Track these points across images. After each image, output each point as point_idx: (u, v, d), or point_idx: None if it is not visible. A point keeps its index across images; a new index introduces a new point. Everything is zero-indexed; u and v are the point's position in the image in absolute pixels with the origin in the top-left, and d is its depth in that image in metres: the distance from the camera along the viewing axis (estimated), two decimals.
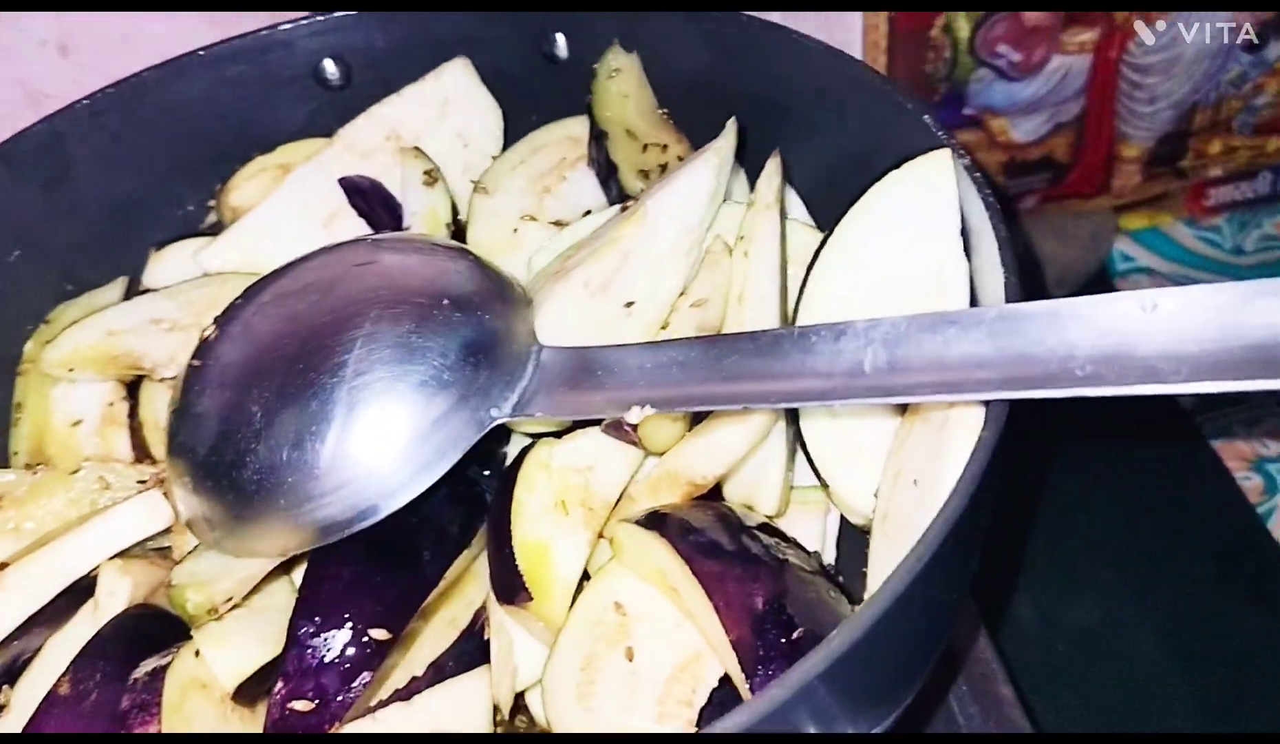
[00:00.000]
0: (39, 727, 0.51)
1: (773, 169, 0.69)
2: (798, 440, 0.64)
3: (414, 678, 0.60)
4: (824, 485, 0.63)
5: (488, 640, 0.63)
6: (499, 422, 0.59)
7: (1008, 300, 0.54)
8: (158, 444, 0.74)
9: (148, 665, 0.55)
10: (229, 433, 0.57)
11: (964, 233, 0.62)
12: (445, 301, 0.59)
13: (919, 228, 0.62)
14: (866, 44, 1.02)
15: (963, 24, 1.03)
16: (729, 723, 0.41)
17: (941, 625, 0.58)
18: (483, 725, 0.60)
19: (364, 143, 0.83)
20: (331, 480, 0.56)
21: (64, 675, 0.54)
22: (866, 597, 0.58)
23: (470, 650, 0.62)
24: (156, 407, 0.76)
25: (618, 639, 0.59)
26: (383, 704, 0.58)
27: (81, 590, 0.63)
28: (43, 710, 0.52)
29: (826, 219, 0.71)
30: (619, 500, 0.64)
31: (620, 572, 0.62)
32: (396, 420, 0.56)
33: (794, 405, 0.60)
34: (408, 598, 0.57)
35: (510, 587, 0.59)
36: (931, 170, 0.63)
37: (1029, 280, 0.63)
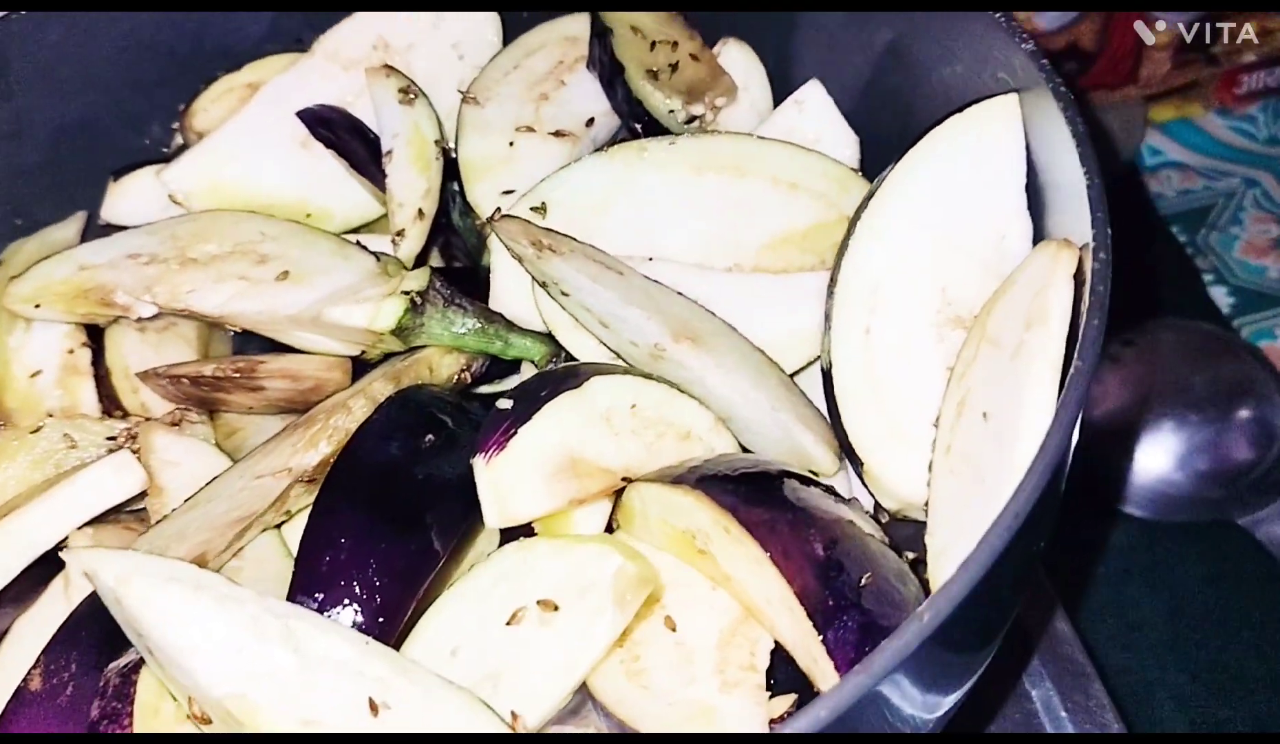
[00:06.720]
0: (8, 727, 0.45)
1: None
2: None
3: None
4: (855, 466, 0.56)
5: None
6: None
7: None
8: (127, 393, 0.67)
9: (120, 663, 0.48)
10: None
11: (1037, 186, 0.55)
12: None
13: (980, 178, 0.55)
14: None
15: None
16: (820, 710, 0.36)
17: (1024, 581, 0.52)
18: None
19: (348, 52, 0.74)
20: None
21: (35, 667, 0.48)
22: (930, 538, 0.53)
23: None
24: (124, 352, 0.68)
25: (651, 610, 0.53)
26: None
27: (51, 564, 0.57)
28: (12, 709, 0.46)
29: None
30: None
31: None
32: None
33: None
34: (414, 570, 0.51)
35: None
36: (998, 115, 0.55)
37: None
